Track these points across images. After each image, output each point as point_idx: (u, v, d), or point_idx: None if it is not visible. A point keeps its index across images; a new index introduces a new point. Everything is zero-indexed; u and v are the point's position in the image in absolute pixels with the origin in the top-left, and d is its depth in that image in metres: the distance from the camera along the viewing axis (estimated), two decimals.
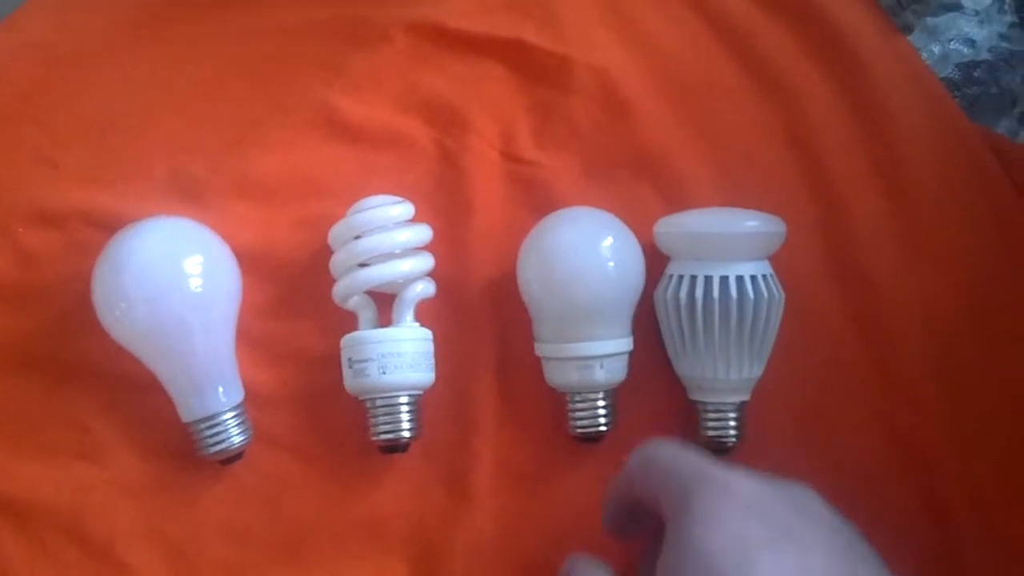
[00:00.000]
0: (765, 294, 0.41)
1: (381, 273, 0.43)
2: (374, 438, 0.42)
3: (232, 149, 0.47)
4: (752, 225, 0.41)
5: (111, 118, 0.47)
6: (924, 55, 0.48)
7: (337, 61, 0.48)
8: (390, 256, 0.43)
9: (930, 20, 0.48)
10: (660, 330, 0.43)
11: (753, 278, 0.41)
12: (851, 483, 0.42)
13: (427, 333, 0.43)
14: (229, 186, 0.47)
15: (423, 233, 0.44)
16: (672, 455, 0.34)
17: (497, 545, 0.43)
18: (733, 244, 0.41)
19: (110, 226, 0.44)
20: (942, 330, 0.44)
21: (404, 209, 0.44)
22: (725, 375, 0.41)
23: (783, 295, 0.42)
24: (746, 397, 0.43)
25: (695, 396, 0.43)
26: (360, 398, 0.43)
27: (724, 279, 0.40)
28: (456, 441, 0.44)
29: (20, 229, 0.46)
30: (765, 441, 0.44)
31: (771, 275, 0.42)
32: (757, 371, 0.42)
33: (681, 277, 0.41)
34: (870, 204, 0.46)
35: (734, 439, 0.42)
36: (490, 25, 0.48)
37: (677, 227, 0.42)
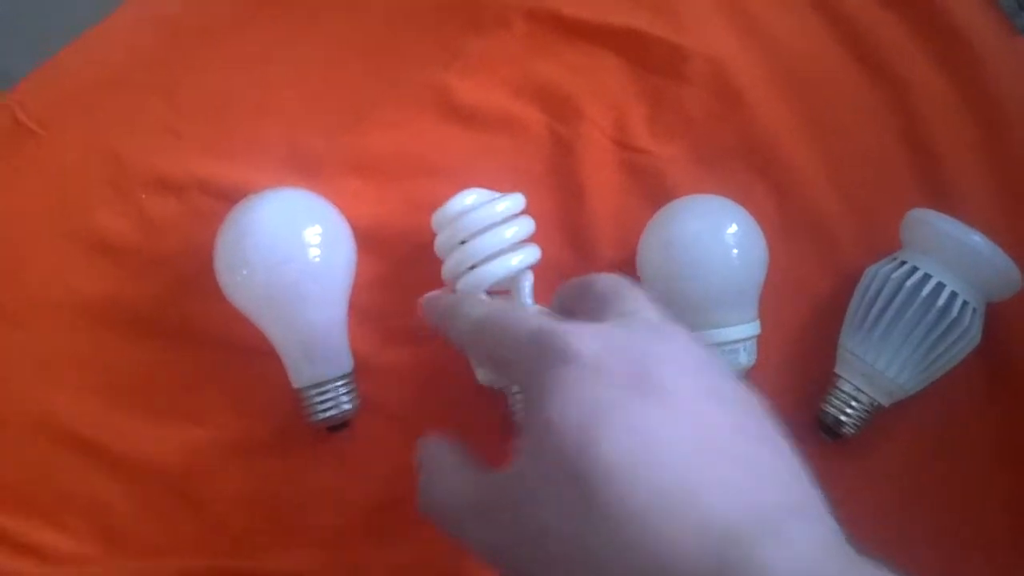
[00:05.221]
0: (974, 332, 0.41)
1: (492, 272, 0.42)
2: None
3: (349, 125, 0.48)
4: (1015, 272, 0.41)
5: (232, 92, 0.48)
6: None
7: (455, 44, 0.48)
8: (498, 253, 0.42)
9: None
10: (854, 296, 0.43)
11: (975, 310, 0.40)
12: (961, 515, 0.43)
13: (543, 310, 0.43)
14: (345, 162, 0.47)
15: (526, 227, 0.43)
16: (502, 319, 0.33)
17: None
18: (983, 273, 0.40)
19: (228, 196, 0.45)
20: None
21: (511, 203, 0.43)
22: (883, 367, 0.41)
23: (979, 341, 0.41)
24: (884, 402, 0.42)
25: (840, 371, 0.43)
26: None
27: (953, 295, 0.40)
28: None
29: (143, 195, 0.47)
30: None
31: (983, 316, 0.41)
32: (909, 386, 0.41)
33: (915, 269, 0.41)
34: (984, 203, 0.46)
35: (850, 429, 0.42)
36: (606, 13, 0.48)
37: (937, 225, 0.41)
